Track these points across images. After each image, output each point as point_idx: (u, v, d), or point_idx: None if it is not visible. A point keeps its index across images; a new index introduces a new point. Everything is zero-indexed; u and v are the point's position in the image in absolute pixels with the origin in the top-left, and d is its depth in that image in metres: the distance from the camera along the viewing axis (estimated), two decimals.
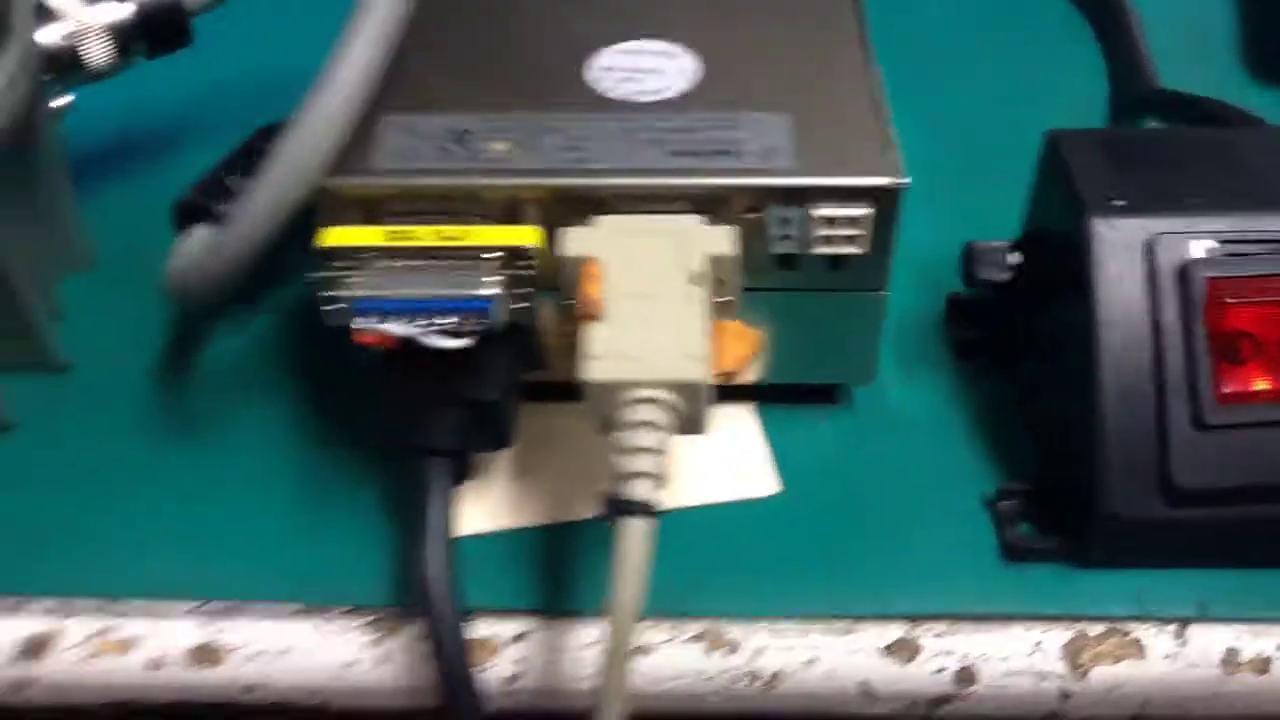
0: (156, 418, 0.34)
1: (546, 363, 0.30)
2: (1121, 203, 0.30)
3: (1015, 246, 0.33)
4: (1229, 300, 0.28)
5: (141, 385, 0.34)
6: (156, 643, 0.29)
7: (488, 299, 0.27)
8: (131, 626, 0.29)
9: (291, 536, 0.31)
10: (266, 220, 0.28)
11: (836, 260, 0.30)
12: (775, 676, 0.29)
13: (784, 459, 0.32)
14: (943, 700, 0.29)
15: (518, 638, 0.29)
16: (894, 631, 0.29)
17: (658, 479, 0.26)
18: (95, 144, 0.42)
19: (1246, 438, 0.28)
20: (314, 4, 0.34)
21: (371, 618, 0.29)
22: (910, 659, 0.29)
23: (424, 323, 0.27)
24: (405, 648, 0.29)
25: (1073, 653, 0.29)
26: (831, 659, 0.29)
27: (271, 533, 0.31)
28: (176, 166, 0.38)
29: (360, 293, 0.27)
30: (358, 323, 0.27)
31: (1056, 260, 0.31)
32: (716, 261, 0.28)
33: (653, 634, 0.29)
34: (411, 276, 0.27)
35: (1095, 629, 0.29)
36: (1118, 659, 0.29)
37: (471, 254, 0.28)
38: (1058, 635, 0.29)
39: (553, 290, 0.29)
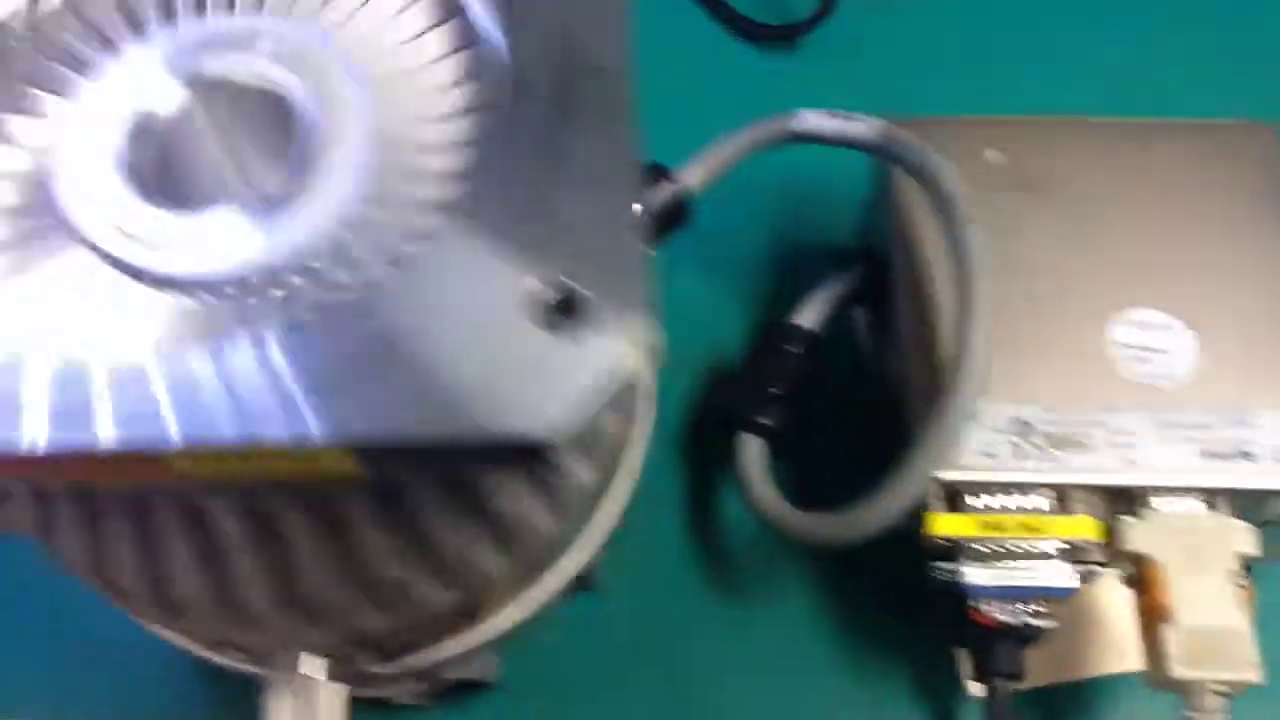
0: None
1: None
2: None
3: None
4: None
5: None
6: None
7: (1069, 588, 0.35)
8: None
9: None
10: (913, 498, 0.35)
11: None
12: None
13: None
14: None
15: None
16: None
17: None
18: None
19: None
20: None
21: None
22: None
23: (1023, 608, 0.35)
24: None
25: None
26: None
27: None
28: None
29: (970, 580, 0.35)
30: (971, 603, 0.35)
31: None
32: (1242, 559, 0.35)
33: None
34: (1003, 565, 0.35)
35: None
36: None
37: (1047, 543, 0.35)
38: None
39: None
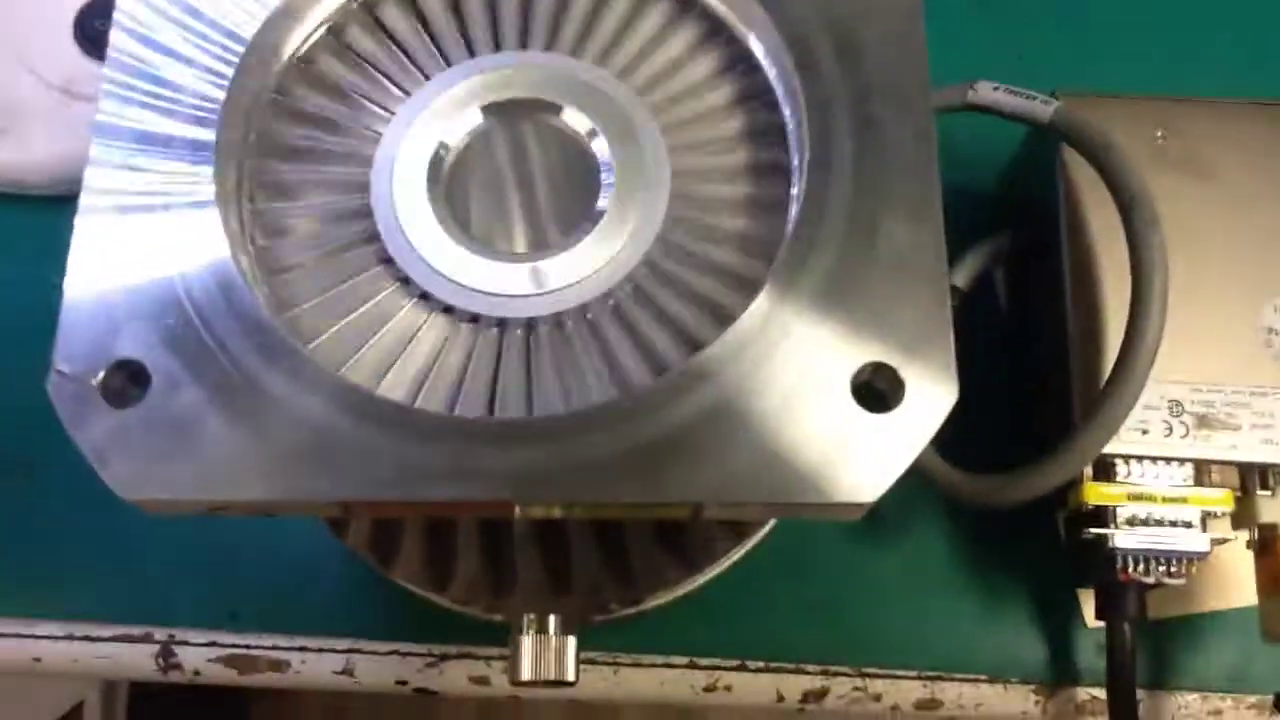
0: None
1: None
2: None
3: None
4: None
5: None
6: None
7: (1203, 552, 0.39)
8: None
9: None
10: (1076, 471, 0.38)
11: None
12: None
13: None
14: None
15: None
16: None
17: None
18: None
19: None
20: None
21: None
22: None
23: (1160, 567, 0.39)
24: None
25: None
26: None
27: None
28: None
29: (1120, 545, 0.39)
30: (1120, 566, 0.39)
31: None
32: None
33: None
34: (1148, 531, 0.40)
35: None
36: None
37: (1188, 512, 0.39)
38: None
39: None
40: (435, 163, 0.30)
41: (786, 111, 0.28)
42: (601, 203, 0.29)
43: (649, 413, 0.25)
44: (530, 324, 0.28)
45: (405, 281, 0.29)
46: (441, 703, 0.47)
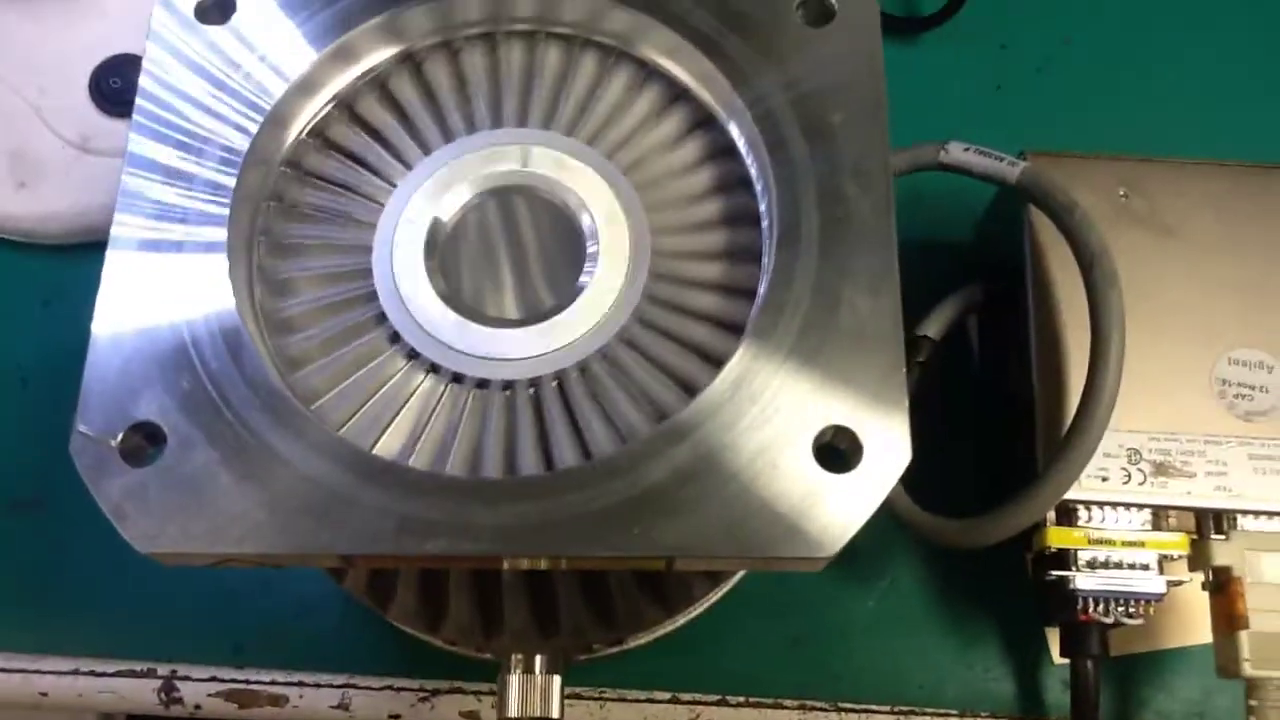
0: None
1: None
2: None
3: None
4: None
5: None
6: None
7: (1160, 594, 0.41)
8: None
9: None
10: (1039, 516, 0.40)
11: None
12: None
13: None
14: None
15: None
16: None
17: None
18: None
19: None
20: None
21: None
22: None
23: (1119, 608, 0.41)
24: None
25: None
26: None
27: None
28: None
29: (1081, 586, 0.41)
30: (1080, 606, 0.41)
31: None
32: None
33: None
34: (1107, 573, 0.42)
35: None
36: None
37: (1145, 555, 0.41)
38: None
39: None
40: (433, 231, 0.32)
41: (759, 190, 0.30)
42: (585, 275, 0.31)
43: (621, 474, 0.27)
44: (511, 386, 0.31)
45: (401, 343, 0.31)
46: None
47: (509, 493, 0.28)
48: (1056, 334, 0.44)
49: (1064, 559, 0.42)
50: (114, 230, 0.31)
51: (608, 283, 0.31)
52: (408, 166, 0.33)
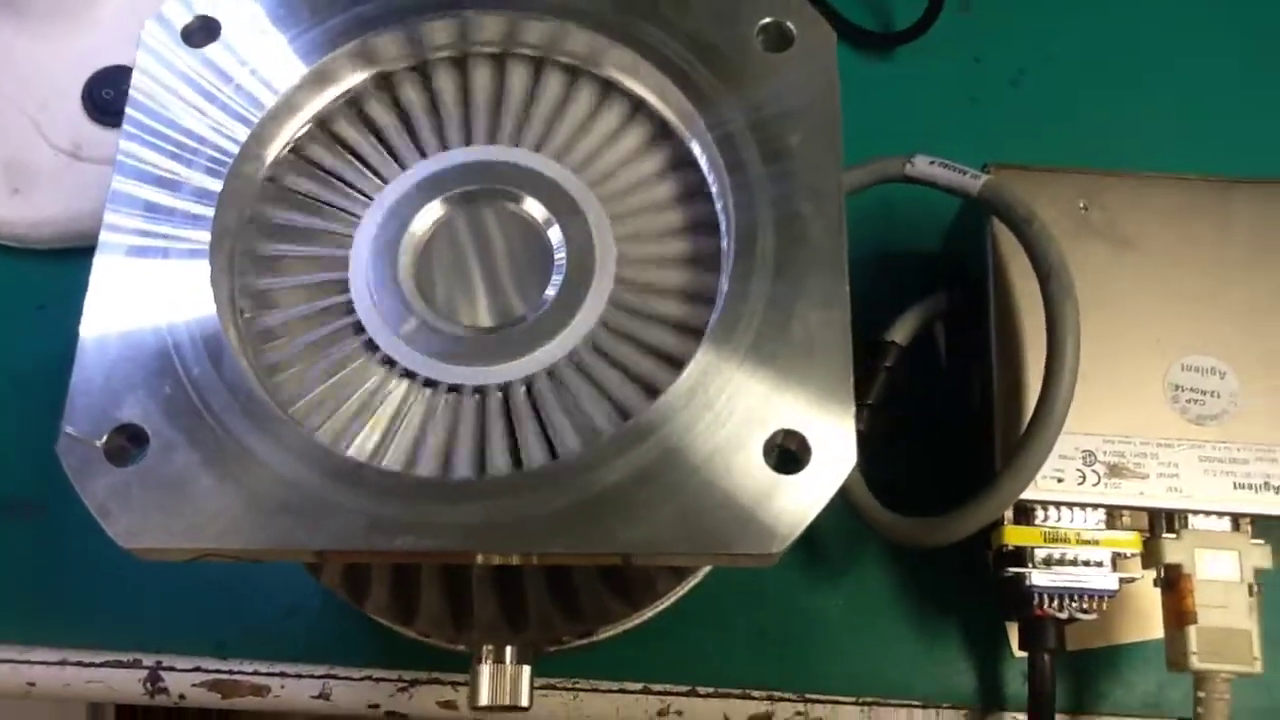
0: None
1: None
2: None
3: None
4: None
5: None
6: None
7: (1113, 590, 0.43)
8: None
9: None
10: (997, 515, 0.41)
11: None
12: None
13: None
14: None
15: None
16: None
17: None
18: None
19: None
20: None
21: None
22: None
23: (1073, 604, 0.43)
24: None
25: None
26: None
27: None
28: None
29: (1036, 583, 0.43)
30: (1035, 602, 0.43)
31: None
32: (1257, 572, 0.43)
33: None
34: (1062, 570, 0.43)
35: None
36: None
37: (1099, 553, 0.42)
38: None
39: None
40: (407, 243, 0.34)
41: (719, 209, 0.32)
42: (553, 285, 0.33)
43: (580, 474, 0.29)
44: (482, 391, 0.32)
45: (377, 351, 0.33)
46: None
47: (473, 492, 0.29)
48: (1016, 341, 0.45)
49: (1021, 556, 0.44)
50: (102, 236, 0.33)
51: (575, 291, 0.33)
52: (384, 182, 0.35)
